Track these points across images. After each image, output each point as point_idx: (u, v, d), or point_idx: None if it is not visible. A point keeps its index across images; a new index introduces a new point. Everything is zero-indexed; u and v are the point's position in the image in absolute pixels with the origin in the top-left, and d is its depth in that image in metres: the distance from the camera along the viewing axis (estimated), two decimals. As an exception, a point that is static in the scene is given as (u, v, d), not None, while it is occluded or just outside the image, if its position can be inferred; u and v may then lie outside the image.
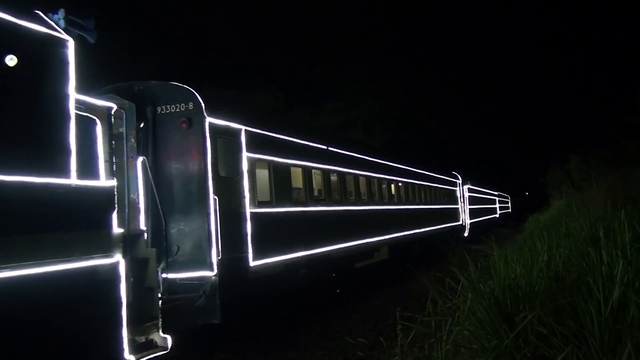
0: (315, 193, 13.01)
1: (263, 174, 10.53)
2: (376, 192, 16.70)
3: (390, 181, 18.24)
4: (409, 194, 20.41)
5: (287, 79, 35.66)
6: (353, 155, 15.23)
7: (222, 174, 8.99)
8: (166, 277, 8.24)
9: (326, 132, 22.46)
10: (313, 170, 12.50)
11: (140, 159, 8.29)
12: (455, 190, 29.18)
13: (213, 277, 8.32)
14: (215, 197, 8.50)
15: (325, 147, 13.33)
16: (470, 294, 5.05)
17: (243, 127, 9.63)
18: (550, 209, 27.19)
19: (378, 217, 16.41)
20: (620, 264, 4.61)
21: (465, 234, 29.86)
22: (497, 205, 54.51)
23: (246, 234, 9.25)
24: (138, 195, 8.30)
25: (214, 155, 8.73)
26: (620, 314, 4.10)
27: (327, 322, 11.20)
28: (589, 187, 17.34)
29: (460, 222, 29.32)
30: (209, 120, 8.70)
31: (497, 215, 52.55)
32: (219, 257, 8.40)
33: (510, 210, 71.93)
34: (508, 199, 73.35)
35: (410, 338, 5.58)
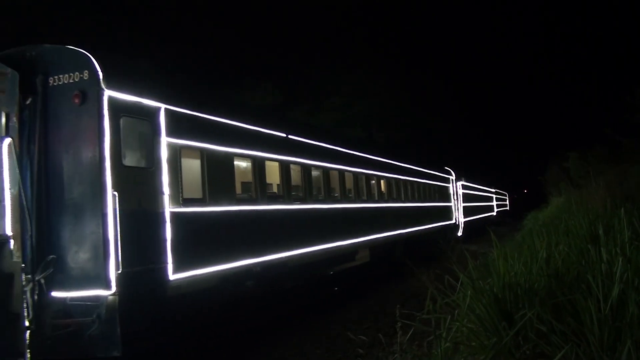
0: (271, 189, 11.31)
1: (193, 165, 8.77)
2: (352, 188, 14.85)
3: (370, 176, 16.16)
4: (393, 190, 18.53)
5: (286, 76, 35.53)
6: (322, 146, 13.30)
7: (128, 163, 7.24)
8: (55, 296, 6.62)
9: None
10: (267, 162, 10.57)
11: (6, 141, 6.41)
12: (447, 187, 27.52)
13: (110, 297, 6.52)
14: (115, 192, 6.69)
15: (285, 135, 11.37)
16: (469, 292, 5.05)
17: (162, 105, 7.76)
18: (549, 207, 27.22)
19: (355, 216, 14.70)
20: (620, 262, 4.61)
21: (459, 233, 28.53)
22: (495, 203, 53.21)
23: (164, 240, 7.45)
24: (2, 189, 6.40)
25: (115, 139, 6.90)
26: (619, 311, 4.10)
27: (325, 321, 11.20)
28: (587, 184, 17.38)
29: (453, 221, 27.75)
30: (109, 94, 6.87)
31: (495, 213, 51.26)
32: (119, 271, 6.60)
33: (508, 208, 71.22)
34: (506, 196, 72.58)
35: (409, 336, 5.58)
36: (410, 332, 5.53)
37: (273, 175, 11.24)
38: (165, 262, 7.44)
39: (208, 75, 31.54)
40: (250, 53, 36.91)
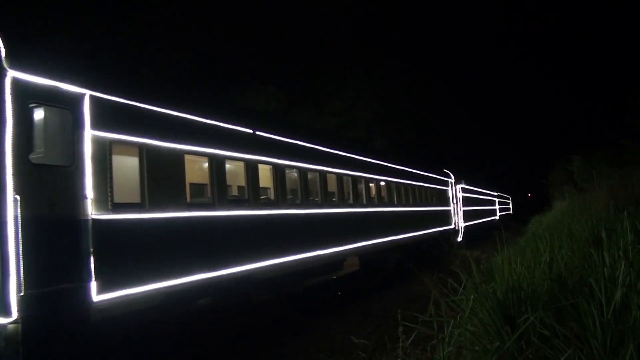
0: (234, 193, 10.42)
1: (129, 163, 7.76)
2: (336, 192, 13.62)
3: (357, 178, 14.91)
4: (384, 193, 17.29)
5: (289, 81, 35.64)
6: (299, 145, 11.94)
7: (39, 160, 6.10)
8: None
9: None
10: (229, 162, 9.45)
11: None
12: (446, 190, 26.19)
13: (10, 325, 5.40)
14: (17, 196, 5.56)
15: (251, 131, 10.06)
16: (472, 296, 5.05)
17: (88, 92, 6.63)
18: (553, 211, 27.16)
19: (340, 222, 13.51)
20: (623, 266, 4.61)
21: (459, 239, 27.29)
22: (497, 207, 52.17)
23: (85, 253, 6.27)
24: None
25: (20, 130, 5.79)
26: (622, 315, 4.10)
27: (328, 325, 11.20)
28: (591, 188, 17.34)
29: (452, 226, 26.36)
30: (14, 75, 5.84)
31: (497, 218, 50.27)
32: (22, 293, 5.46)
33: (511, 212, 70.67)
34: (509, 200, 72.05)
35: (412, 339, 5.58)
36: (413, 336, 5.53)
37: (236, 176, 10.31)
38: (87, 280, 6.22)
39: (212, 79, 31.64)
40: (254, 58, 37.04)
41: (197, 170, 9.43)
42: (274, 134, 10.97)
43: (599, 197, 12.39)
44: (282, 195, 10.91)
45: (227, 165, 9.30)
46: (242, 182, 10.05)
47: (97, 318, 6.35)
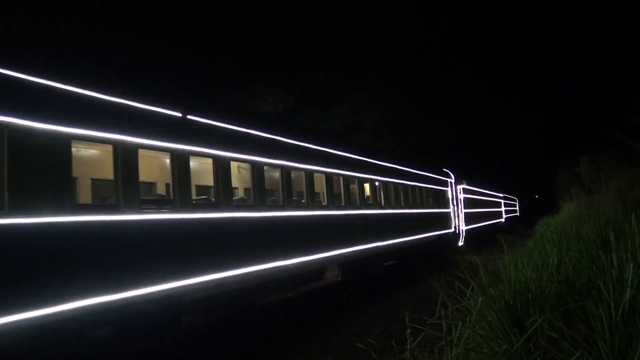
0: (155, 191, 9.01)
1: None
2: (306, 192, 11.71)
3: (333, 176, 12.98)
4: (370, 194, 15.33)
5: (296, 83, 35.71)
6: (253, 135, 9.94)
7: None
8: None
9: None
10: (144, 153, 7.62)
11: None
12: (445, 191, 24.08)
13: None
14: None
15: (181, 115, 8.14)
16: (480, 298, 5.06)
17: None
18: (560, 212, 27.05)
19: (311, 227, 11.62)
20: (631, 268, 4.60)
21: (460, 243, 25.15)
22: (503, 209, 50.34)
23: None
24: None
25: None
26: (630, 317, 4.10)
27: (336, 327, 11.21)
28: (598, 189, 17.30)
29: (453, 230, 24.31)
30: None
31: (503, 220, 48.54)
32: None
33: (518, 214, 69.86)
34: (516, 201, 71.25)
35: (419, 341, 5.59)
36: (420, 338, 5.54)
37: (156, 171, 8.97)
38: None
39: (219, 81, 31.76)
40: (261, 60, 37.16)
41: (92, 161, 7.66)
42: (217, 120, 9.00)
43: (606, 198, 12.36)
44: (225, 195, 8.89)
45: (141, 156, 7.41)
46: (168, 178, 8.12)
47: None
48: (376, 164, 15.96)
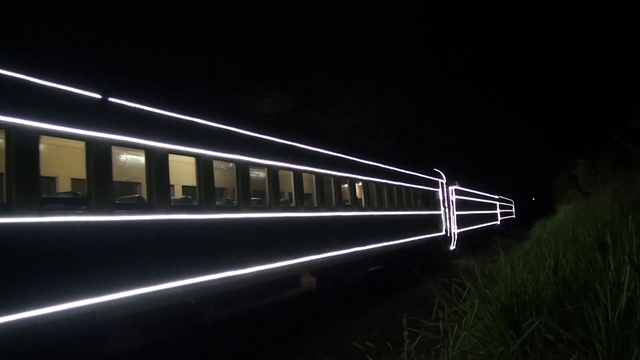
0: (63, 188, 7.91)
1: None
2: (268, 191, 10.32)
3: (300, 174, 11.51)
4: (347, 194, 13.97)
5: (294, 84, 35.68)
6: (199, 124, 8.57)
7: None
8: None
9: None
10: (48, 141, 6.78)
11: None
12: (435, 192, 22.72)
13: None
14: None
15: (101, 97, 6.82)
16: (477, 300, 5.06)
17: None
18: (557, 215, 27.11)
19: (276, 231, 10.32)
20: (628, 270, 4.61)
21: (452, 247, 24.07)
22: (498, 211, 49.48)
23: None
24: None
25: None
26: (627, 320, 4.10)
27: (333, 328, 11.19)
28: (595, 192, 17.34)
29: (443, 233, 22.96)
30: None
31: (498, 222, 47.71)
32: None
33: (514, 216, 69.36)
34: (512, 203, 70.81)
35: (417, 344, 5.59)
36: (417, 340, 5.54)
37: (68, 163, 7.86)
38: None
39: (217, 82, 31.74)
40: (259, 61, 37.16)
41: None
42: (152, 105, 7.66)
43: (603, 201, 12.39)
44: (161, 194, 7.58)
45: (43, 146, 6.39)
46: (81, 172, 6.79)
47: None
48: (355, 161, 14.60)
